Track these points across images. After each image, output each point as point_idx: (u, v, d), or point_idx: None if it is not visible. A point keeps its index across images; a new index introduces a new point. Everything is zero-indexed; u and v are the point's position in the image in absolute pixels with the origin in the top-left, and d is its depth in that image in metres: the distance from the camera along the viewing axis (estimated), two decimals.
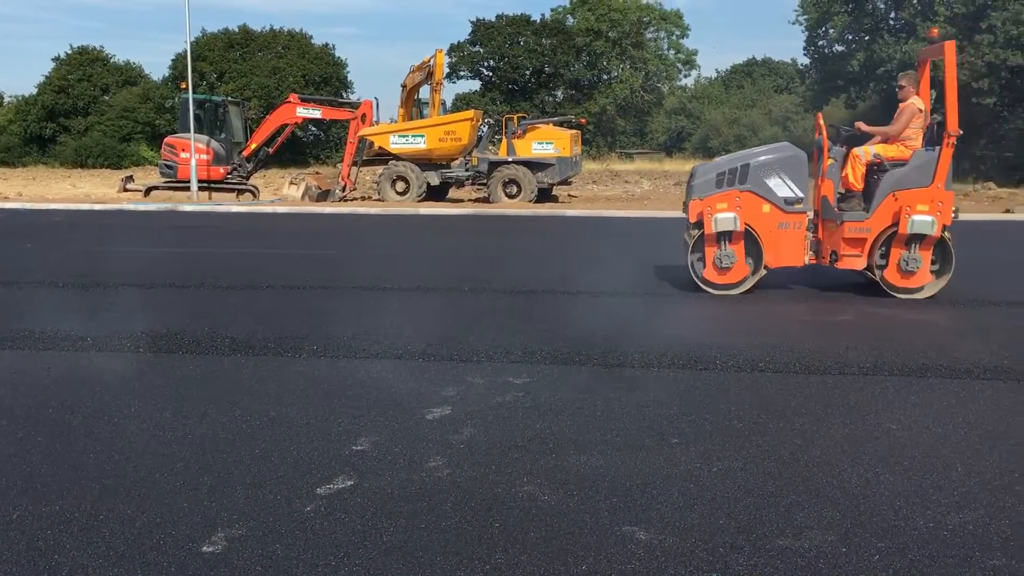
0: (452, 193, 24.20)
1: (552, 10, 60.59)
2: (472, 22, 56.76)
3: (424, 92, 24.36)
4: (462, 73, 55.01)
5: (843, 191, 8.76)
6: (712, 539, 3.35)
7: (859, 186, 8.65)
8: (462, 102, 51.36)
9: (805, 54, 46.09)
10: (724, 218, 8.33)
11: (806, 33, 44.35)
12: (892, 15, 40.45)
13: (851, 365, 5.92)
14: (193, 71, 27.53)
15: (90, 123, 47.60)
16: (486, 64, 54.10)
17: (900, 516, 3.54)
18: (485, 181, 22.07)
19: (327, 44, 52.22)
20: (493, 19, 53.96)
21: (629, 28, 57.74)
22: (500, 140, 22.83)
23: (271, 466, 4.10)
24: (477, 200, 23.30)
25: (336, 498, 3.73)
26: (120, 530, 3.44)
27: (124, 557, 3.23)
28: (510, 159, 21.62)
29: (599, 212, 19.63)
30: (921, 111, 8.65)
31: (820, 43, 44.46)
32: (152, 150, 44.17)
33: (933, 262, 8.34)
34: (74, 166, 43.95)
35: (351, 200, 23.01)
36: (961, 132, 8.22)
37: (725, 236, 8.41)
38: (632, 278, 9.59)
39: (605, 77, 58.70)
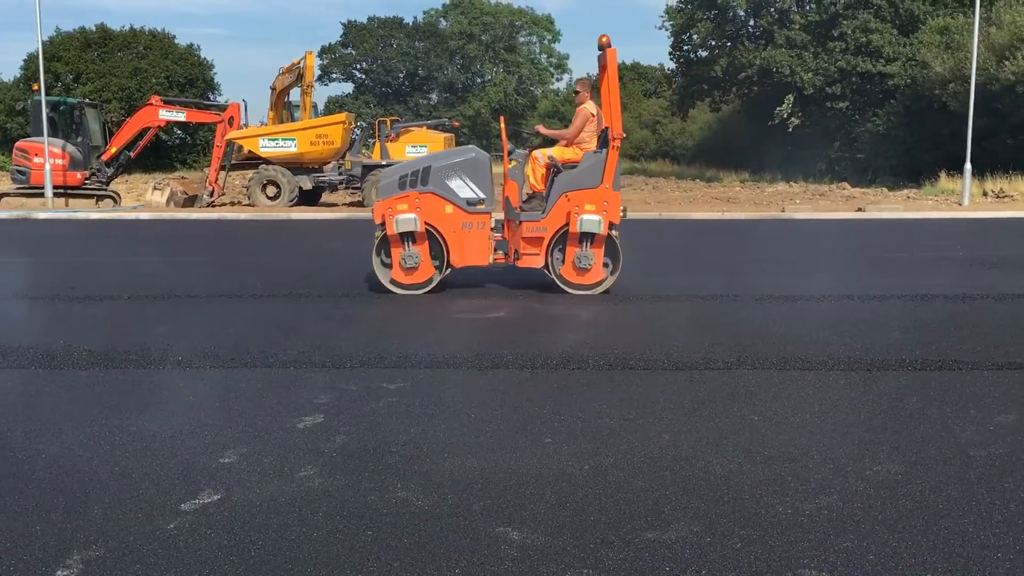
0: (325, 197, 23.81)
1: (424, 13, 60.51)
2: (343, 24, 56.07)
3: (295, 95, 23.94)
4: (334, 75, 54.33)
5: (530, 192, 9.21)
6: (583, 536, 3.40)
7: (540, 187, 9.10)
8: (334, 105, 50.73)
9: (671, 59, 47.46)
10: (404, 219, 8.52)
11: (672, 39, 45.68)
12: (751, 22, 42.13)
13: (717, 361, 6.12)
14: (47, 72, 26.21)
15: None
16: (358, 67, 53.57)
17: (761, 504, 3.68)
18: (359, 185, 21.83)
19: (192, 45, 50.61)
20: (365, 21, 53.45)
21: (501, 32, 58.20)
22: (373, 144, 22.64)
23: (131, 483, 3.93)
24: (351, 204, 23.01)
25: (201, 513, 3.61)
26: None
27: None
28: (384, 163, 21.45)
29: None
30: (594, 115, 9.02)
31: (685, 48, 45.85)
32: (3, 155, 41.77)
33: (606, 261, 8.76)
34: None
35: (219, 205, 22.36)
36: (624, 135, 8.62)
37: (408, 237, 8.60)
38: (508, 279, 9.66)
39: (479, 80, 59.02)
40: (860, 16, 35.95)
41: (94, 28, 49.08)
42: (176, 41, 50.03)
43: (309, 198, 22.32)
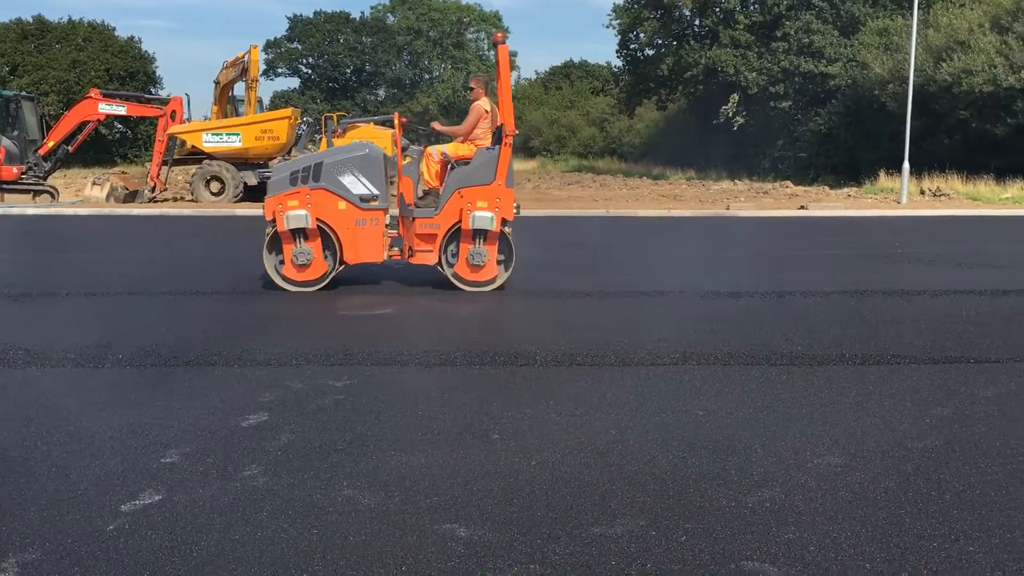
0: None
1: (372, 8, 60.02)
2: (289, 18, 55.44)
3: (239, 89, 23.57)
4: (280, 70, 53.70)
5: (427, 188, 9.22)
6: (530, 532, 3.41)
7: (434, 183, 9.07)
8: (280, 100, 50.12)
9: (618, 57, 47.77)
10: (295, 215, 8.46)
11: (619, 37, 45.98)
12: (696, 22, 42.60)
13: (663, 356, 6.18)
14: None
15: None
16: (304, 61, 53.02)
17: (705, 497, 3.73)
18: None
19: (133, 37, 49.54)
20: (311, 15, 52.87)
21: (449, 28, 58.05)
22: (320, 139, 22.41)
23: (70, 484, 3.84)
24: None
25: (142, 514, 3.54)
26: None
27: None
28: None
29: None
30: (488, 112, 9.03)
31: (632, 47, 46.19)
32: None
33: (500, 258, 8.76)
34: None
35: (162, 201, 21.95)
36: (517, 131, 8.61)
37: (300, 233, 8.55)
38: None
39: (427, 76, 58.81)
40: (802, 17, 36.60)
41: (31, 19, 47.81)
42: (116, 33, 48.93)
43: (254, 194, 22.01)
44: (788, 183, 29.21)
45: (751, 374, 5.75)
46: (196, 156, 21.81)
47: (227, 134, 21.24)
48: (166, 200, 22.26)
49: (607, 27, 51.18)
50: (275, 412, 4.86)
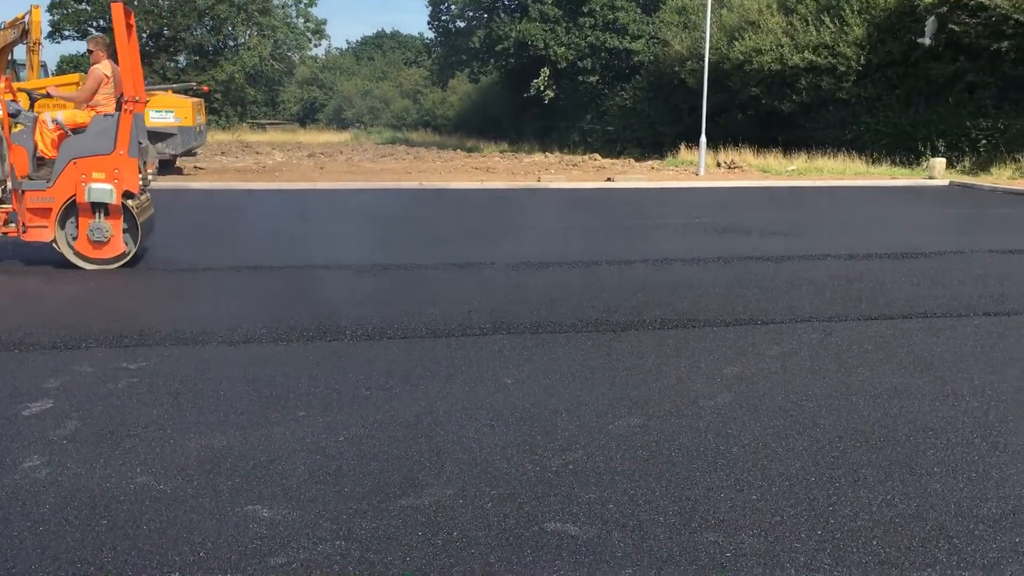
0: None
1: None
2: None
3: (20, 52, 21.72)
4: (67, 33, 49.88)
5: (42, 158, 8.61)
6: (336, 508, 3.36)
7: (51, 153, 8.42)
8: (68, 65, 46.65)
9: (430, 29, 47.60)
10: None
11: (430, 8, 45.77)
12: None
13: (473, 327, 6.23)
14: None
15: None
16: (95, 24, 49.48)
17: (512, 464, 3.80)
18: None
19: None
20: None
21: None
22: None
23: None
24: None
25: None
26: None
27: None
28: None
29: (227, 185, 18.85)
30: (109, 76, 8.50)
31: (443, 19, 46.11)
32: None
33: (125, 230, 8.32)
34: None
35: None
36: (139, 99, 8.23)
37: None
38: (256, 252, 9.34)
39: (231, 44, 56.36)
40: None
41: None
42: None
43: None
44: (597, 156, 30.12)
45: (558, 342, 5.90)
46: None
47: None
48: None
49: None
50: (61, 399, 4.55)
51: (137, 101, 8.13)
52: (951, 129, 22.81)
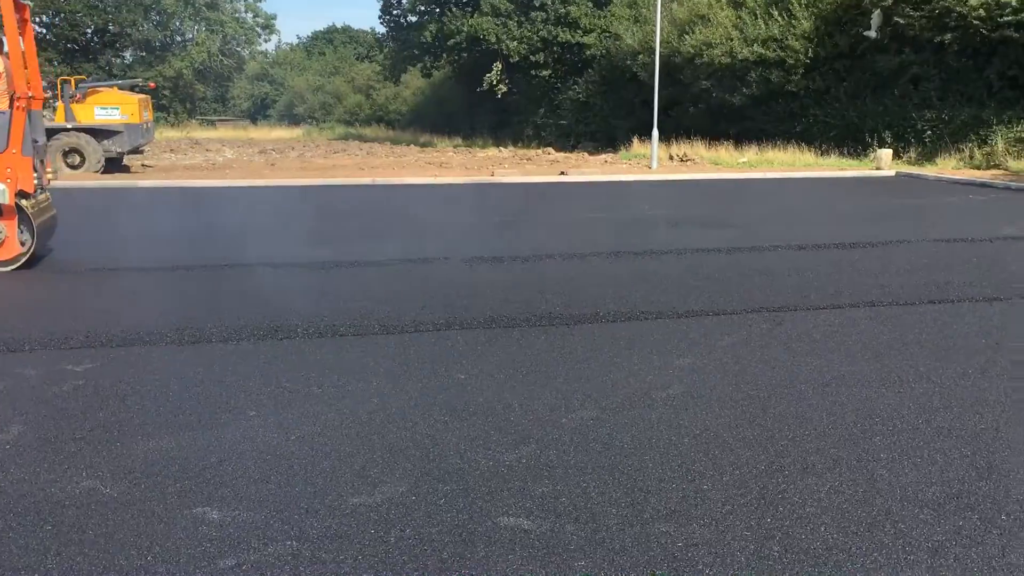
0: None
1: None
2: None
3: None
4: None
5: None
6: (288, 508, 3.33)
7: None
8: None
9: (381, 23, 47.26)
10: None
11: (381, 2, 45.45)
12: None
13: (426, 323, 6.21)
14: None
15: None
16: (38, 20, 48.44)
17: (465, 459, 3.79)
18: None
19: None
20: None
21: None
22: (56, 105, 20.61)
23: None
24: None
25: None
26: None
27: None
28: (69, 125, 19.63)
29: (176, 183, 18.57)
30: (2, 72, 8.22)
31: (395, 13, 45.84)
32: None
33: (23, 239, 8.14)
34: None
35: None
36: (32, 94, 8.05)
37: None
38: (206, 250, 9.22)
39: (179, 39, 55.55)
40: None
41: None
42: None
43: None
44: (550, 150, 30.20)
45: (512, 336, 5.90)
46: None
47: None
48: None
49: None
50: (4, 402, 4.45)
51: (32, 98, 7.93)
52: (897, 120, 23.23)
